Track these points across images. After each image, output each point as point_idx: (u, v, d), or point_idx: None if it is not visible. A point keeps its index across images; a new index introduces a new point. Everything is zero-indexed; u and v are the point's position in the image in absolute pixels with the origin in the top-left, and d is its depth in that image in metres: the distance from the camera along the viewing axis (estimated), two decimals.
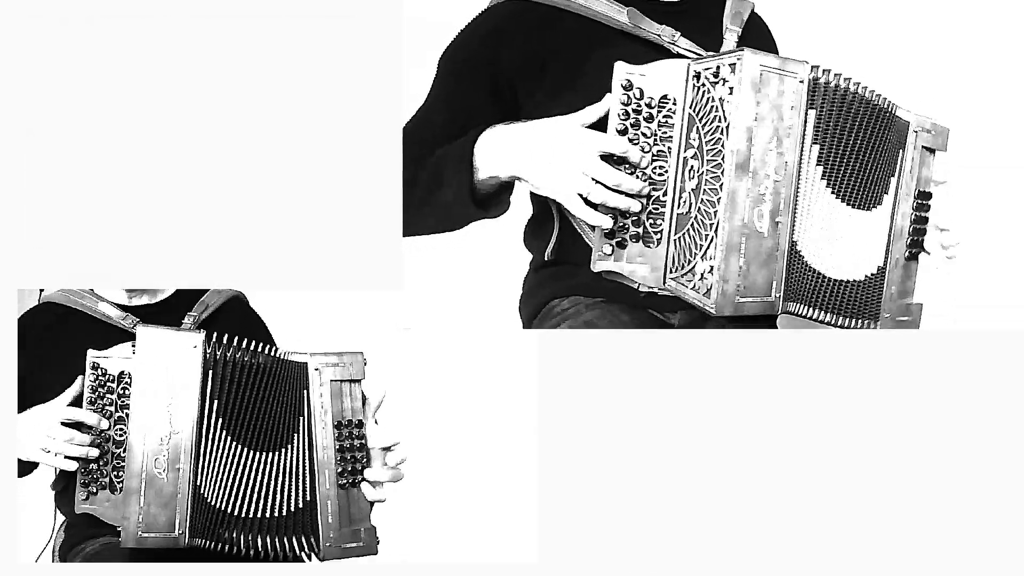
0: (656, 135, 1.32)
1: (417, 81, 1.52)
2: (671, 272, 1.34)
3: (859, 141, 1.37)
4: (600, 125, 1.32)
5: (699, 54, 1.41)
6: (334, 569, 1.47)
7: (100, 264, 1.41)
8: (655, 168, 1.33)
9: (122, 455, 1.37)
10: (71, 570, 1.51)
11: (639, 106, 1.31)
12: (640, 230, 1.34)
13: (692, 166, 1.31)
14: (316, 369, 1.46)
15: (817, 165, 1.34)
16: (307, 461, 1.44)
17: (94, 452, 1.38)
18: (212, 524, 1.38)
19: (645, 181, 1.32)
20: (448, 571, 1.71)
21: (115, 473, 1.39)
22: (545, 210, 1.50)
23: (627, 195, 1.31)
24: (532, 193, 1.51)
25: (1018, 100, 2.07)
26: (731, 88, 1.26)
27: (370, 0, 1.44)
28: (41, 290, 1.58)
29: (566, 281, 1.50)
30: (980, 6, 2.08)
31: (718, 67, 1.28)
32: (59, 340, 1.50)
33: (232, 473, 1.40)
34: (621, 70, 1.31)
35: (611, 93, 1.31)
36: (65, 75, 1.39)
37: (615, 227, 1.34)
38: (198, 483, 1.37)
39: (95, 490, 1.39)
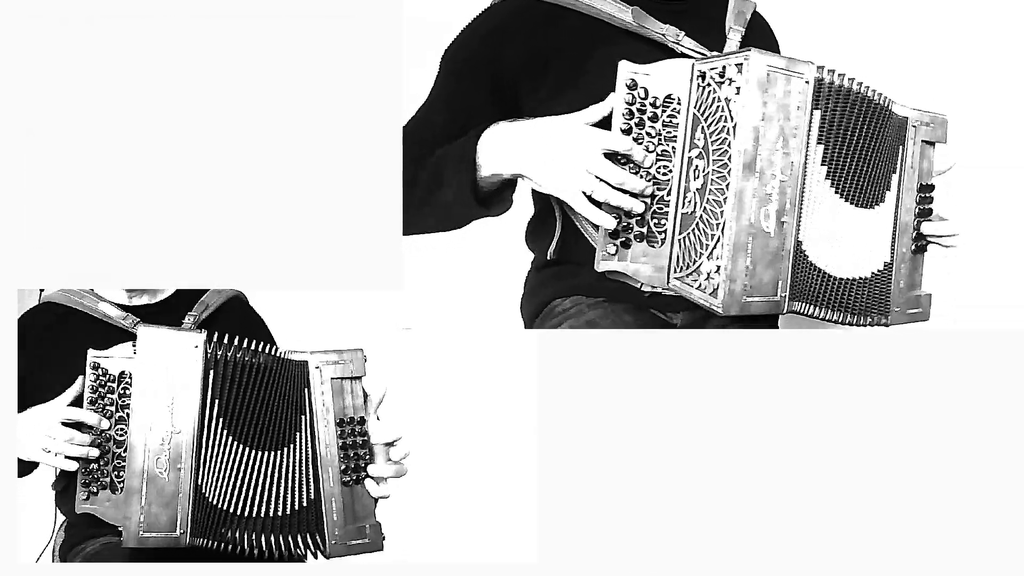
0: (660, 135, 1.32)
1: (417, 81, 1.52)
2: (675, 272, 1.34)
3: (862, 140, 1.38)
4: (603, 124, 1.32)
5: (703, 54, 1.41)
6: (334, 569, 1.46)
7: (100, 264, 1.41)
8: (659, 168, 1.33)
9: (123, 455, 1.37)
10: (71, 570, 1.50)
11: (643, 106, 1.31)
12: (644, 230, 1.34)
13: (697, 166, 1.31)
14: (317, 367, 1.45)
15: (821, 165, 1.35)
16: (310, 459, 1.43)
17: (94, 452, 1.38)
18: (214, 524, 1.37)
19: (649, 181, 1.32)
20: (448, 571, 1.70)
21: (116, 473, 1.38)
22: (547, 209, 1.50)
23: (631, 194, 1.31)
24: (534, 192, 1.51)
25: (1018, 100, 2.08)
26: (738, 88, 1.26)
27: (370, 0, 1.44)
28: (41, 290, 1.57)
29: (568, 281, 1.50)
30: (980, 6, 2.08)
31: (724, 67, 1.28)
32: (59, 340, 1.50)
33: (234, 472, 1.39)
34: (625, 69, 1.31)
35: (615, 92, 1.31)
36: (65, 75, 1.39)
37: (619, 227, 1.34)
38: (199, 483, 1.36)
39: (96, 490, 1.38)
